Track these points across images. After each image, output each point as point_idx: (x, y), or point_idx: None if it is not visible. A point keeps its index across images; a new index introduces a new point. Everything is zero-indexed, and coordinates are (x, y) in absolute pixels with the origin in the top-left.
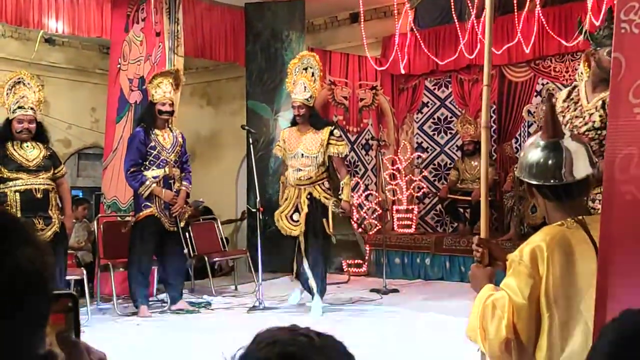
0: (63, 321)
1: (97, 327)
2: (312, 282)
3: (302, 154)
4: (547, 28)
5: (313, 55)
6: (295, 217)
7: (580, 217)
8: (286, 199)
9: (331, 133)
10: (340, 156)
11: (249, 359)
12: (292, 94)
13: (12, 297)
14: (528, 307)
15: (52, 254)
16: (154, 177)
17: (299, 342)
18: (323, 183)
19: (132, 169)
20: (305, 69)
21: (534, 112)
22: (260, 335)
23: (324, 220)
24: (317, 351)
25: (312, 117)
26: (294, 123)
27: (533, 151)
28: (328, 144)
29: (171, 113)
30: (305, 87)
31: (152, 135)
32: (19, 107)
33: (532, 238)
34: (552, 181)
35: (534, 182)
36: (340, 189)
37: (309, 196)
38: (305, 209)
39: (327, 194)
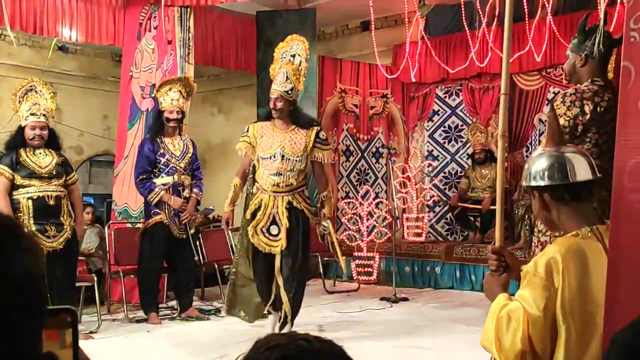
0: (57, 338)
1: (107, 334)
2: (287, 307)
3: (283, 156)
4: (558, 36)
5: (302, 41)
6: (274, 230)
7: (594, 227)
8: (257, 208)
9: (317, 135)
10: (323, 162)
11: None
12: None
13: (10, 305)
14: (543, 319)
15: (43, 259)
16: (163, 185)
17: (297, 346)
18: (303, 191)
19: (141, 177)
20: (293, 56)
21: (545, 121)
22: (260, 340)
23: (303, 234)
24: (316, 355)
25: (292, 112)
26: (267, 118)
27: (540, 160)
28: (313, 147)
29: (179, 120)
30: (287, 77)
31: (161, 143)
32: (32, 114)
33: (547, 249)
34: (557, 175)
35: (542, 184)
36: (320, 202)
37: (288, 206)
38: (286, 222)
39: (308, 204)
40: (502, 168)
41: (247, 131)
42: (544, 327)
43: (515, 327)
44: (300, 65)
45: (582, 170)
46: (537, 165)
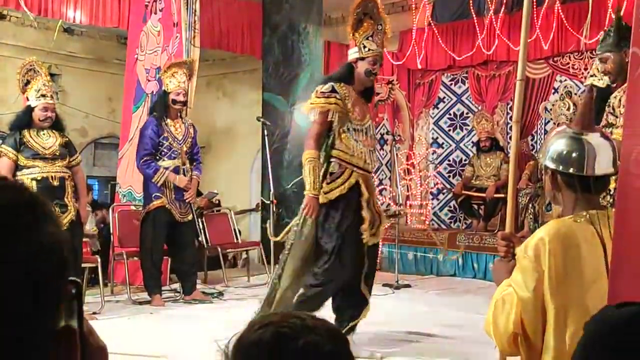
0: (66, 309)
1: (110, 315)
2: (367, 294)
3: (372, 129)
4: (566, 24)
5: (375, 2)
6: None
7: (591, 212)
8: (352, 189)
9: None
10: None
11: (243, 343)
12: (359, 41)
13: (34, 272)
14: (533, 301)
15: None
16: (165, 168)
17: (291, 324)
18: None
19: (145, 158)
20: (365, 14)
21: (551, 110)
22: (254, 319)
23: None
24: (310, 330)
25: None
26: (344, 80)
27: (560, 140)
28: None
29: (184, 103)
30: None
31: (164, 126)
32: (42, 95)
33: (537, 231)
34: (571, 170)
35: (552, 167)
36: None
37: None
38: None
39: None
40: (516, 154)
41: (334, 91)
42: (535, 309)
43: (508, 310)
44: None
45: (603, 162)
46: (557, 145)
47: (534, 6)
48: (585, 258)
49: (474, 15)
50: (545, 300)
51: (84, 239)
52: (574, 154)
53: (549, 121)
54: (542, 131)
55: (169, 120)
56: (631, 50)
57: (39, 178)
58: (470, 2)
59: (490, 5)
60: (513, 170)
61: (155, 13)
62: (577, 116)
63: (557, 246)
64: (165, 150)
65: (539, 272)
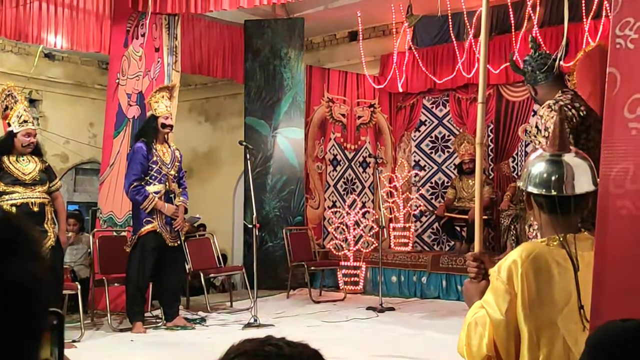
0: (49, 339)
1: (90, 343)
2: None
3: None
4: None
5: None
6: None
7: (567, 235)
8: None
9: None
10: None
11: None
12: None
13: (10, 313)
14: (506, 323)
15: (50, 267)
16: (155, 192)
17: (266, 352)
18: None
19: (134, 183)
20: None
21: (530, 132)
22: (232, 347)
23: None
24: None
25: None
26: None
27: (538, 163)
28: None
29: (172, 127)
30: None
31: (154, 150)
32: (24, 121)
33: (510, 254)
34: (552, 192)
35: (535, 191)
36: None
37: None
38: None
39: None
40: (481, 174)
41: None
42: (507, 331)
43: (481, 332)
44: None
45: (582, 182)
46: (535, 169)
47: (513, 30)
48: (556, 281)
49: (454, 39)
50: (519, 323)
51: (65, 266)
52: (553, 177)
53: (529, 143)
54: (523, 153)
55: (157, 145)
56: (608, 70)
57: (18, 204)
58: (450, 26)
59: (469, 30)
60: (479, 191)
61: (137, 38)
62: (550, 138)
63: (529, 269)
64: (155, 175)
65: (511, 295)
